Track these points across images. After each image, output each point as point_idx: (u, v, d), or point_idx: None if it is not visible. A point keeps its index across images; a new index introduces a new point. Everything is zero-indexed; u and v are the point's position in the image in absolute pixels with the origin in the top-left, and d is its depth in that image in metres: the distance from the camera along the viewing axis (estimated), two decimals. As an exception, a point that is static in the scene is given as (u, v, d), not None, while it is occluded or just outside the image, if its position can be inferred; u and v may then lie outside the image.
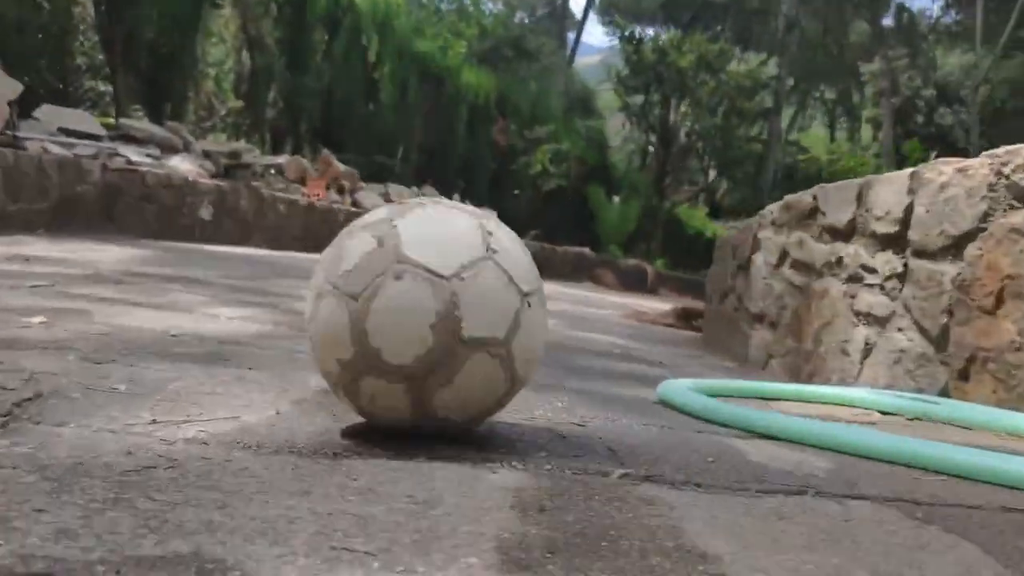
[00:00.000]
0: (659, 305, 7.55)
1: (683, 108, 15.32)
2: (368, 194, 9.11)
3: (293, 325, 2.15)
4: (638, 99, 15.96)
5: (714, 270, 4.30)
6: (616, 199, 14.71)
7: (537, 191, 12.55)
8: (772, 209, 3.17)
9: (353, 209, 8.47)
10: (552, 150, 12.70)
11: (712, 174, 17.24)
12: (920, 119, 29.35)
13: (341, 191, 8.83)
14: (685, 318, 5.31)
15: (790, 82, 19.88)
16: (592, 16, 31.40)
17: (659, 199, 15.32)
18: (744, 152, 15.21)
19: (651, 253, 14.85)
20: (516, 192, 12.71)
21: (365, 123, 10.92)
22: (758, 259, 3.19)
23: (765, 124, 18.66)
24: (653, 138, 16.07)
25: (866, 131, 31.90)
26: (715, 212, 24.05)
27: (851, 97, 26.73)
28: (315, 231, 7.63)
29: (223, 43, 11.44)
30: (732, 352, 3.40)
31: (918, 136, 29.61)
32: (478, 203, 11.67)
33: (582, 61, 28.15)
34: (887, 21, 27.53)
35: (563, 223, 12.94)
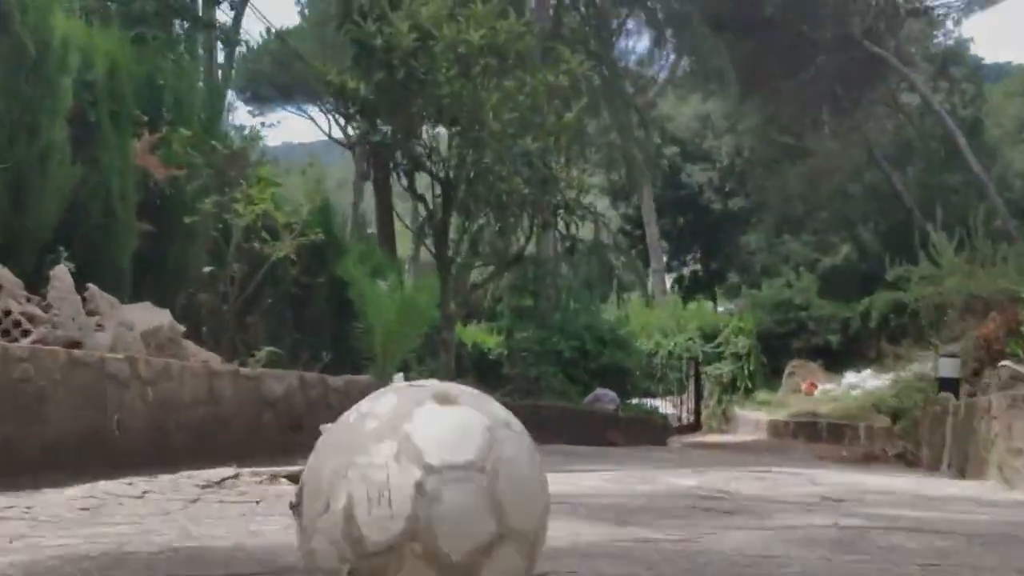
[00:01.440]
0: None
1: (456, 131, 10.78)
2: None
3: None
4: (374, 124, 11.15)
5: None
6: (384, 284, 9.73)
7: (252, 264, 6.94)
8: None
9: None
10: (271, 183, 7.18)
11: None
12: (662, 181, 28.45)
13: None
14: None
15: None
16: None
17: (446, 277, 10.45)
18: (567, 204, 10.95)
19: (440, 376, 9.86)
20: (209, 270, 6.95)
21: None
22: None
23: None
24: (425, 185, 11.30)
25: (601, 201, 30.45)
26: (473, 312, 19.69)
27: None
28: None
29: None
30: None
31: (667, 200, 28.82)
32: (120, 296, 5.66)
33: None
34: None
35: (316, 328, 7.56)
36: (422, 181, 11.70)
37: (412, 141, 10.70)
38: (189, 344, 5.76)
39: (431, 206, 11.12)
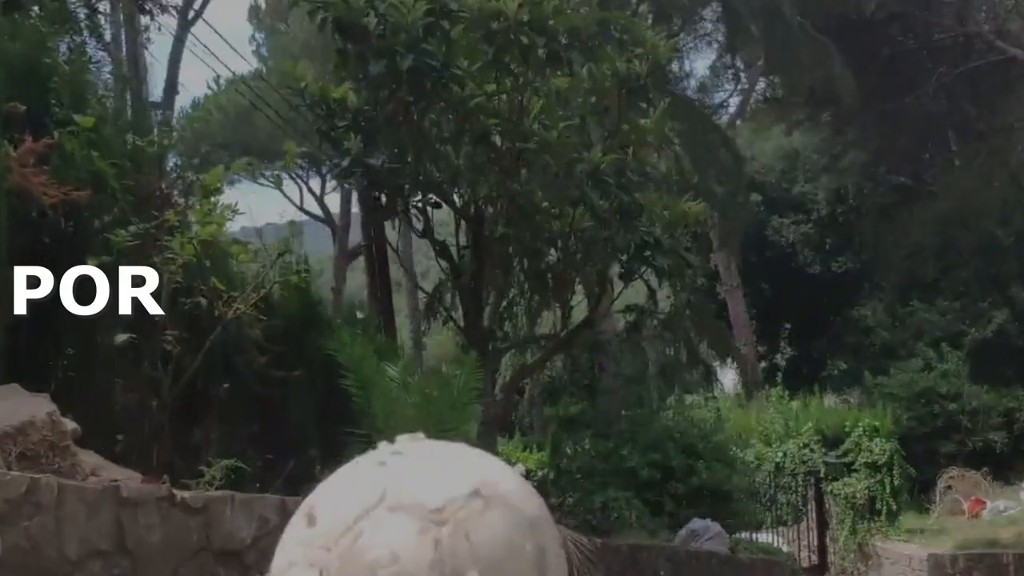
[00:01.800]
0: None
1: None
2: None
3: None
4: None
5: None
6: (391, 370, 8.53)
7: (195, 333, 5.59)
8: None
9: None
10: (214, 204, 5.84)
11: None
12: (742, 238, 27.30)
13: None
14: None
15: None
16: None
17: (485, 360, 9.11)
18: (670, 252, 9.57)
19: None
20: (125, 339, 5.58)
21: None
22: None
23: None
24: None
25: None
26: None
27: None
28: None
29: None
30: None
31: (747, 264, 27.59)
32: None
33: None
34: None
35: (295, 435, 6.14)
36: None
37: (427, 163, 9.41)
38: (87, 455, 4.28)
39: (457, 258, 9.76)
